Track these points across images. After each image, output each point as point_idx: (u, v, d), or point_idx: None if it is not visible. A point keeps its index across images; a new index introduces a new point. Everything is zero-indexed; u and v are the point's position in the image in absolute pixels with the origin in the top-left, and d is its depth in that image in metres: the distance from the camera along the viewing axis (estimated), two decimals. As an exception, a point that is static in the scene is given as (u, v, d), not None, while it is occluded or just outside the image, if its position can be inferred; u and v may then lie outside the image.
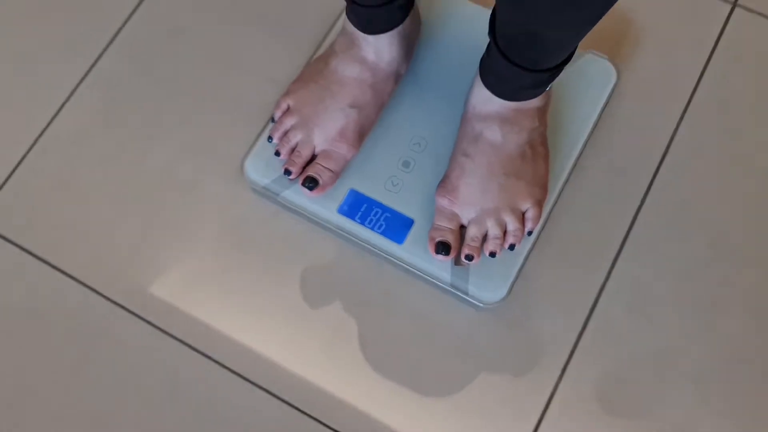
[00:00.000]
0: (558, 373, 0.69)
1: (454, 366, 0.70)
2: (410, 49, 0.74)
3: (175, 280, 0.73)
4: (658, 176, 0.75)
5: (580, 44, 0.68)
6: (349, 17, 0.69)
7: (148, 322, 0.72)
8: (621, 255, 0.72)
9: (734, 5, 0.81)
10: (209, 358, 0.71)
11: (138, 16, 0.84)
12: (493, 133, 0.68)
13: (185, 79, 0.81)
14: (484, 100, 0.67)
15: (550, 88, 0.68)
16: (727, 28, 0.80)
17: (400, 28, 0.70)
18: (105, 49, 0.82)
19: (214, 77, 0.81)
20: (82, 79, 0.81)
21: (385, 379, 0.70)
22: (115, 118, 0.80)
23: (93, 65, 0.82)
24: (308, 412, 0.69)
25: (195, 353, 0.71)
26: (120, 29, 0.83)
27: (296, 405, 0.69)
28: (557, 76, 0.64)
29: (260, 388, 0.69)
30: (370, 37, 0.69)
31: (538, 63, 0.61)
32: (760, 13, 0.81)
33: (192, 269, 0.74)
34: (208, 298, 0.73)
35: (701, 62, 0.79)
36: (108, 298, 0.73)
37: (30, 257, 0.75)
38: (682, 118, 0.77)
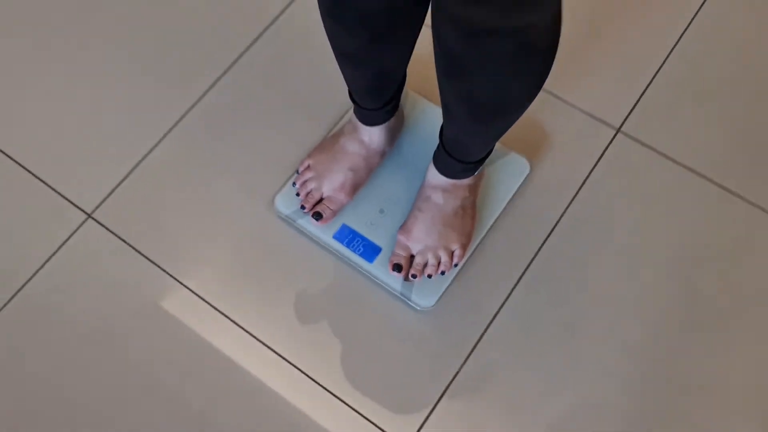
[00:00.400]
0: (463, 359, 1.04)
1: (394, 346, 1.05)
2: (394, 137, 1.13)
3: (220, 270, 1.10)
4: (548, 240, 1.11)
5: (508, 144, 1.07)
6: (354, 112, 1.08)
7: (199, 296, 1.08)
8: (516, 288, 1.08)
9: (617, 131, 1.19)
10: (234, 323, 1.07)
11: (216, 89, 1.23)
12: (438, 198, 1.05)
13: (244, 136, 1.19)
14: (434, 175, 1.05)
15: (479, 172, 1.05)
16: (610, 147, 1.18)
17: (387, 123, 1.08)
18: (189, 110, 1.21)
19: (264, 137, 1.19)
20: (173, 126, 1.20)
21: (340, 352, 1.05)
22: (195, 155, 1.18)
23: (179, 120, 1.21)
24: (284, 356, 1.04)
25: (224, 318, 1.07)
26: (201, 98, 1.22)
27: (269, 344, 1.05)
28: (480, 166, 1.02)
29: (267, 347, 1.05)
30: (367, 128, 1.07)
31: (466, 157, 0.98)
32: (636, 140, 1.19)
33: (231, 264, 1.11)
34: (241, 283, 1.09)
35: (587, 169, 1.16)
36: (173, 277, 1.10)
37: (125, 245, 1.12)
38: (569, 204, 1.14)
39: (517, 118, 0.88)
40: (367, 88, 0.98)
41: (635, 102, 1.22)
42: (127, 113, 1.22)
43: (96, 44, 1.29)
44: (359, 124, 1.07)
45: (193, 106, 1.22)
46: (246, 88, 1.24)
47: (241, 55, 1.26)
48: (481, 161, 1.01)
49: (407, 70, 1.01)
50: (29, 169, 1.18)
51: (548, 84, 1.20)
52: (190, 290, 1.09)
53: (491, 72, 0.73)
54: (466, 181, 1.05)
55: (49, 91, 1.25)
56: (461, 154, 0.97)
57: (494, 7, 0.57)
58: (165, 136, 1.20)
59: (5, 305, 1.08)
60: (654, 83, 1.23)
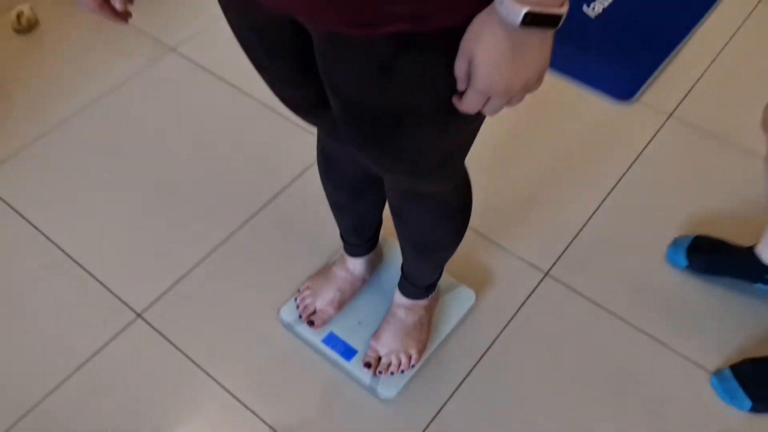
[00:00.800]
0: (414, 440, 1.35)
1: (362, 427, 1.36)
2: (373, 268, 1.50)
3: (238, 363, 1.44)
4: (485, 354, 1.44)
5: (460, 278, 1.43)
6: (344, 248, 1.46)
7: (222, 386, 1.42)
8: (460, 387, 1.40)
9: (546, 274, 1.56)
10: (246, 407, 1.39)
11: (247, 227, 1.63)
12: (401, 314, 1.40)
13: (263, 263, 1.58)
14: (399, 297, 1.41)
15: (433, 295, 1.41)
16: (539, 287, 1.54)
17: (367, 256, 1.45)
18: (225, 240, 1.61)
19: (277, 264, 1.57)
20: (212, 251, 1.59)
21: (319, 430, 1.36)
22: (226, 274, 1.56)
23: (216, 247, 1.60)
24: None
25: (238, 403, 1.39)
26: (234, 232, 1.63)
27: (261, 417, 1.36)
28: (432, 290, 1.38)
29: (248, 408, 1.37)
30: (352, 259, 1.45)
31: (418, 282, 1.35)
32: (561, 282, 1.55)
33: (248, 359, 1.45)
34: (254, 374, 1.43)
35: (519, 303, 1.51)
36: (204, 370, 1.44)
37: (167, 342, 1.47)
38: (503, 329, 1.48)
39: (450, 255, 1.25)
40: (352, 229, 1.37)
41: (562, 251, 1.59)
42: (179, 238, 1.63)
43: (158, 186, 1.72)
44: (347, 256, 1.46)
45: (227, 238, 1.62)
46: (267, 228, 1.64)
47: (265, 204, 1.68)
48: (432, 286, 1.37)
49: (386, 219, 1.40)
50: (92, 273, 1.56)
51: (494, 234, 1.60)
52: (217, 382, 1.42)
53: (420, 221, 1.12)
54: (423, 302, 1.40)
55: (119, 215, 1.67)
56: (415, 280, 1.34)
57: (407, 178, 0.96)
58: (205, 258, 1.59)
59: (52, 392, 1.42)
60: (579, 237, 1.61)
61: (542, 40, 0.66)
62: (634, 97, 1.88)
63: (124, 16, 0.86)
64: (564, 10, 0.64)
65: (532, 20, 0.63)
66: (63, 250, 1.61)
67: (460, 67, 0.70)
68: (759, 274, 1.45)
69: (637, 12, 2.09)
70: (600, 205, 1.67)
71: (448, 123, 0.80)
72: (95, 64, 2.02)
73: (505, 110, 1.82)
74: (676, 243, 1.57)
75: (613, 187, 1.71)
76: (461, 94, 0.73)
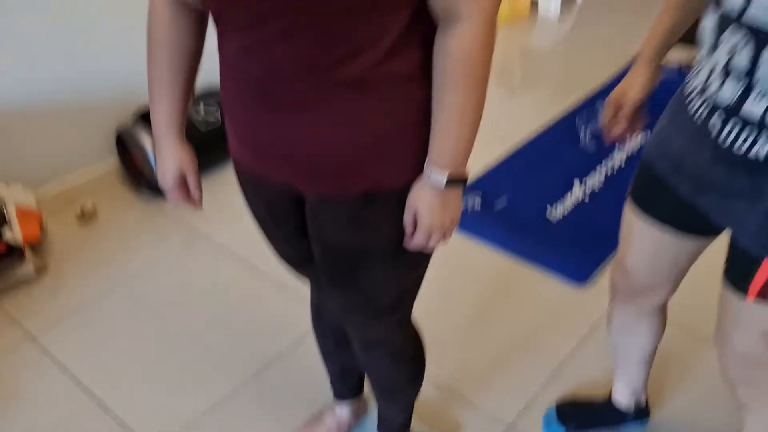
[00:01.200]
0: None
1: None
2: (358, 416, 1.75)
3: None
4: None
5: (432, 425, 1.67)
6: (332, 392, 1.71)
7: None
8: None
9: (508, 426, 1.78)
10: None
11: (259, 375, 1.91)
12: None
13: (270, 409, 1.83)
14: (378, 435, 1.65)
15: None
16: (502, 435, 1.76)
17: (353, 403, 1.71)
18: (237, 389, 1.88)
19: (280, 413, 1.82)
20: (222, 399, 1.86)
21: None
22: (238, 421, 1.81)
23: (222, 400, 1.87)
24: None
25: None
26: (242, 385, 1.90)
27: None
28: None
29: None
30: (339, 405, 1.70)
31: (391, 423, 1.58)
32: (522, 433, 1.77)
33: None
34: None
35: (485, 447, 1.73)
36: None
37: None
38: (471, 469, 1.68)
39: (411, 398, 1.52)
40: (338, 374, 1.65)
41: (523, 406, 1.83)
42: (192, 388, 1.90)
43: (179, 347, 2.02)
44: (335, 402, 1.72)
45: (235, 390, 1.89)
46: (270, 382, 1.92)
47: (270, 363, 1.97)
48: (403, 429, 1.61)
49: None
50: (120, 417, 1.82)
51: (464, 389, 1.87)
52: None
53: (380, 367, 1.40)
54: (400, 438, 1.64)
55: (144, 367, 1.95)
56: (386, 421, 1.59)
57: (366, 320, 1.25)
58: (214, 407, 1.85)
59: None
60: (539, 395, 1.85)
61: (458, 193, 1.06)
62: (588, 280, 2.21)
63: (200, 203, 1.25)
64: (468, 173, 1.04)
65: (451, 182, 1.02)
66: (88, 389, 1.89)
67: (407, 218, 1.07)
68: (622, 418, 1.73)
69: (593, 216, 2.50)
70: (557, 368, 1.94)
71: (399, 261, 1.14)
72: (138, 247, 2.42)
73: (474, 289, 2.15)
74: (546, 421, 1.79)
75: (570, 354, 1.98)
76: (410, 235, 1.09)
